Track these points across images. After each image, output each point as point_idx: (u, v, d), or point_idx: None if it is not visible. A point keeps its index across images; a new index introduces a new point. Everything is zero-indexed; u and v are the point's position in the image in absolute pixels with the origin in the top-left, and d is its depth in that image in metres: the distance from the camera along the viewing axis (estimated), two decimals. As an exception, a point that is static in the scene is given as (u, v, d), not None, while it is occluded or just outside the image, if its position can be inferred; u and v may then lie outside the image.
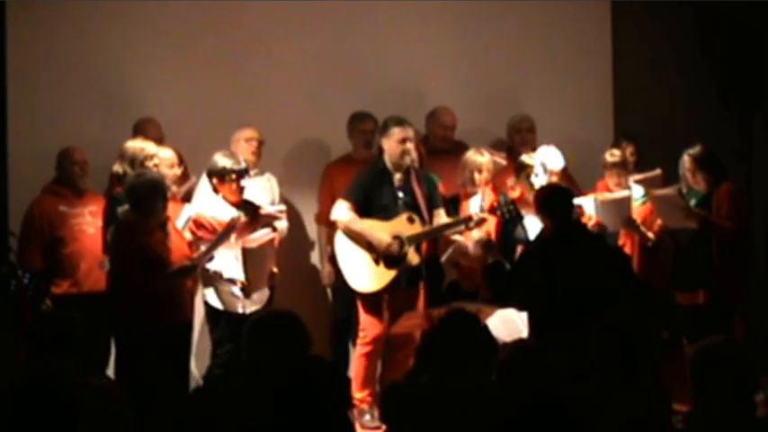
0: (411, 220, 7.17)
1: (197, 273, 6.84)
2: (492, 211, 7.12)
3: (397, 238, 7.12)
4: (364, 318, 7.24)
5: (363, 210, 7.20)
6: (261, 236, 7.04)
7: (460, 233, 7.30)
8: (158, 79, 8.18)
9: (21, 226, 7.38)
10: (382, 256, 7.12)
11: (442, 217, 7.30)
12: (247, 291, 6.93)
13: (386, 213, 7.18)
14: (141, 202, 6.60)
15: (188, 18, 8.27)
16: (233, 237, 6.93)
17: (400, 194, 7.22)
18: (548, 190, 6.72)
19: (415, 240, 7.15)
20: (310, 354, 4.38)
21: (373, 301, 7.20)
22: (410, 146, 7.22)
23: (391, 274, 7.14)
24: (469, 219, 7.17)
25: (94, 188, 7.50)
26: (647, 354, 4.57)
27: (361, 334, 7.27)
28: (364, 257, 7.17)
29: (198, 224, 7.00)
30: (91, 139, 7.75)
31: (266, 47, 8.37)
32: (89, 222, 7.34)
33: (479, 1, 8.62)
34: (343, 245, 7.26)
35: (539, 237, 6.65)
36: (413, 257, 7.16)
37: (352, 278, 7.22)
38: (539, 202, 6.51)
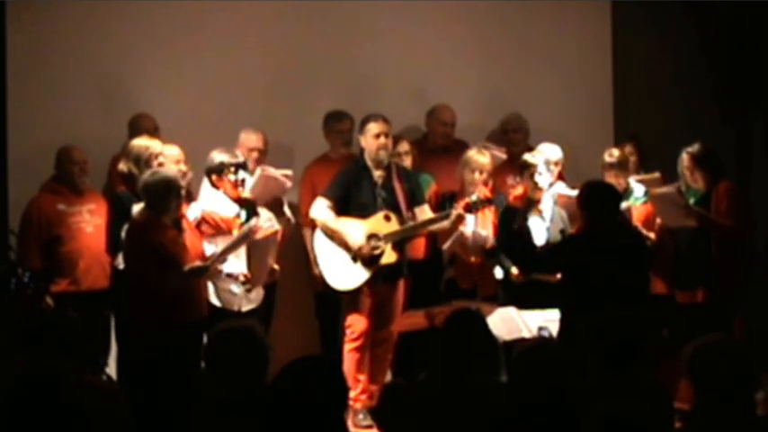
0: (387, 218, 7.18)
1: (209, 273, 6.80)
2: (467, 208, 7.13)
3: (373, 236, 7.13)
4: (348, 314, 7.26)
5: (342, 207, 7.21)
6: (265, 228, 7.00)
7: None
8: (158, 77, 8.18)
9: (19, 224, 7.36)
10: (357, 256, 7.15)
11: (425, 213, 7.29)
12: (250, 284, 6.88)
13: (364, 211, 7.20)
14: (155, 200, 6.55)
15: (187, 17, 8.27)
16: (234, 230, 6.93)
17: (380, 192, 7.23)
18: (593, 186, 6.62)
19: (392, 238, 7.15)
20: (270, 361, 4.25)
21: (354, 297, 7.22)
22: (386, 140, 7.24)
23: (368, 272, 7.15)
24: (447, 216, 7.15)
25: (93, 185, 7.50)
26: (640, 352, 4.55)
27: (348, 331, 7.26)
28: (342, 255, 7.19)
29: (203, 220, 6.96)
30: (90, 136, 7.77)
31: (266, 46, 8.37)
32: (87, 220, 7.31)
33: (480, 1, 8.63)
34: (321, 243, 7.29)
35: (577, 233, 6.68)
36: (389, 256, 7.16)
37: (330, 276, 7.24)
38: (580, 197, 6.49)
